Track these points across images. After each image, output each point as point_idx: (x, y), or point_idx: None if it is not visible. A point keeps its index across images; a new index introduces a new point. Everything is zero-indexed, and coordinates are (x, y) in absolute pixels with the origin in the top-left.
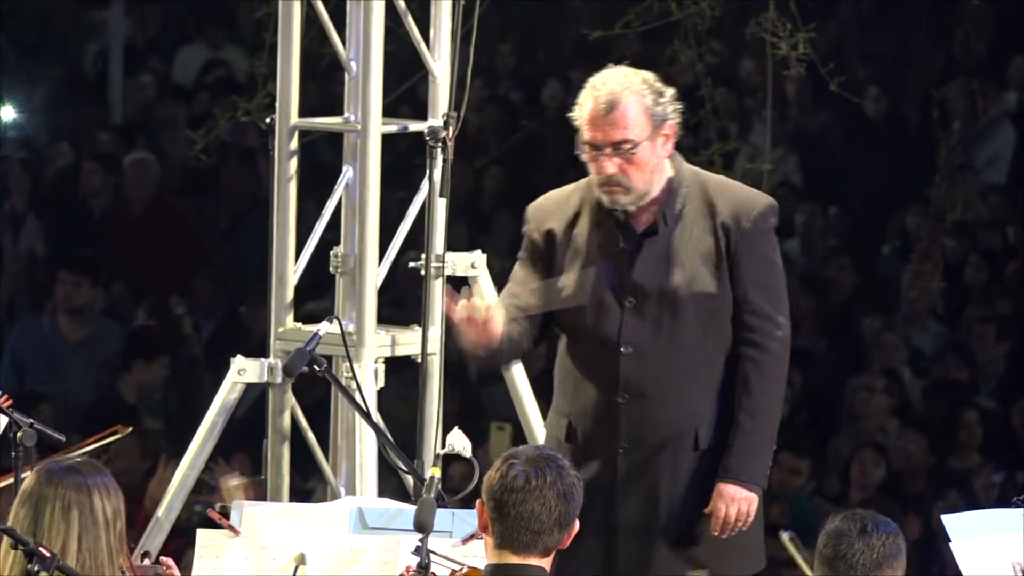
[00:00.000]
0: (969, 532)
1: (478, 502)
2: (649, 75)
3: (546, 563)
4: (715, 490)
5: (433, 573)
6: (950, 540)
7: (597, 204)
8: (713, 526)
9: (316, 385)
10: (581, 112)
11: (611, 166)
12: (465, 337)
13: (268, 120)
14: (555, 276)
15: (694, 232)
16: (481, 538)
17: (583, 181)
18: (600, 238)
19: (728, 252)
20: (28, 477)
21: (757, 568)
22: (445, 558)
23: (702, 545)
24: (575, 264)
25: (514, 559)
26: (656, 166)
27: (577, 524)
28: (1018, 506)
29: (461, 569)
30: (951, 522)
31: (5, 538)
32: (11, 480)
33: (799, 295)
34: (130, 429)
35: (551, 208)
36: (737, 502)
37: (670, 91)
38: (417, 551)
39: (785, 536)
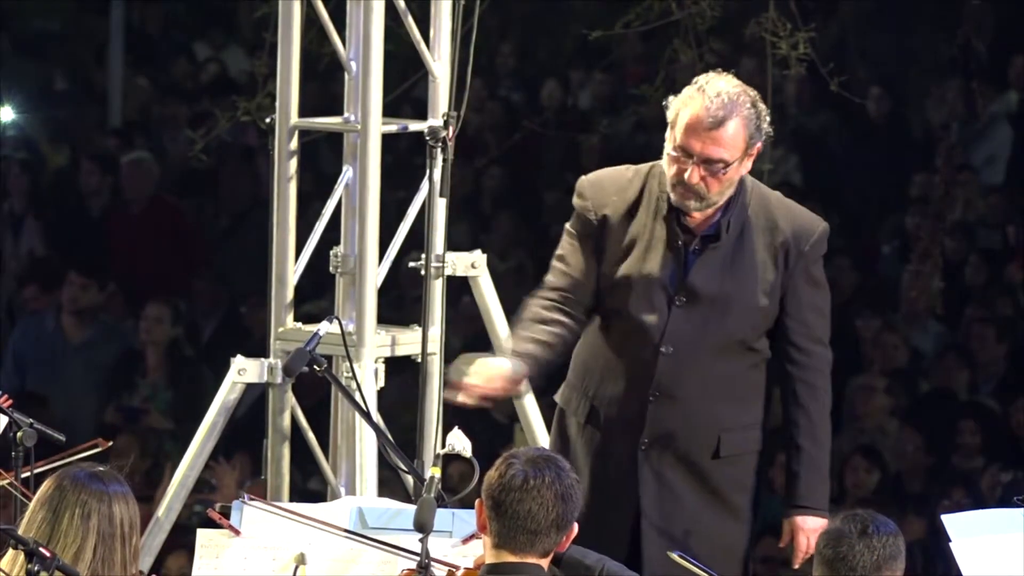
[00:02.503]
0: (969, 532)
1: (477, 501)
2: (753, 92)
3: (544, 563)
4: (791, 522)
5: (432, 574)
6: (950, 540)
7: (660, 197)
8: (794, 559)
9: (317, 385)
10: (681, 110)
11: (696, 176)
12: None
13: (268, 120)
14: (602, 260)
15: (756, 246)
16: (481, 538)
17: (644, 166)
18: (661, 232)
19: (785, 271)
20: (47, 481)
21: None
22: (441, 562)
23: (709, 553)
24: (630, 252)
25: (512, 558)
26: (735, 182)
27: (576, 527)
28: (1018, 506)
29: (458, 570)
30: (951, 522)
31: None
32: (10, 479)
33: None
34: (110, 443)
35: (609, 189)
36: (814, 533)
37: (765, 110)
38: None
39: (675, 555)
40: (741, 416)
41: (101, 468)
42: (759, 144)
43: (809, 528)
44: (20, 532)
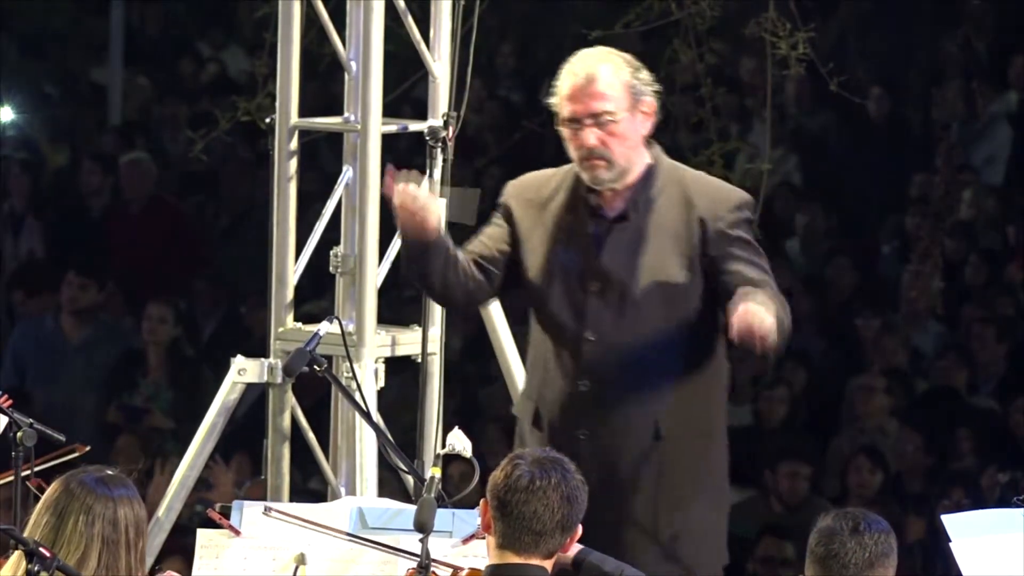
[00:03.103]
0: (969, 532)
1: (482, 501)
2: (626, 55)
3: (548, 565)
4: (739, 299)
5: (434, 573)
6: (950, 540)
7: (574, 189)
8: (734, 321)
9: (317, 385)
10: (560, 91)
11: (592, 137)
12: (401, 222)
13: (268, 120)
14: (518, 249)
15: (667, 221)
16: (482, 538)
17: (566, 166)
18: (570, 221)
19: (703, 244)
20: (53, 484)
21: (719, 563)
22: (443, 563)
23: (661, 538)
24: (540, 243)
25: (515, 559)
26: (636, 143)
27: (580, 528)
28: (1018, 506)
29: (462, 571)
30: (951, 522)
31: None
32: (11, 478)
33: (799, 295)
34: (87, 448)
35: (527, 187)
36: (756, 313)
37: (647, 72)
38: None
39: None
40: (681, 397)
41: (109, 471)
42: (648, 100)
43: (753, 308)
44: (25, 535)
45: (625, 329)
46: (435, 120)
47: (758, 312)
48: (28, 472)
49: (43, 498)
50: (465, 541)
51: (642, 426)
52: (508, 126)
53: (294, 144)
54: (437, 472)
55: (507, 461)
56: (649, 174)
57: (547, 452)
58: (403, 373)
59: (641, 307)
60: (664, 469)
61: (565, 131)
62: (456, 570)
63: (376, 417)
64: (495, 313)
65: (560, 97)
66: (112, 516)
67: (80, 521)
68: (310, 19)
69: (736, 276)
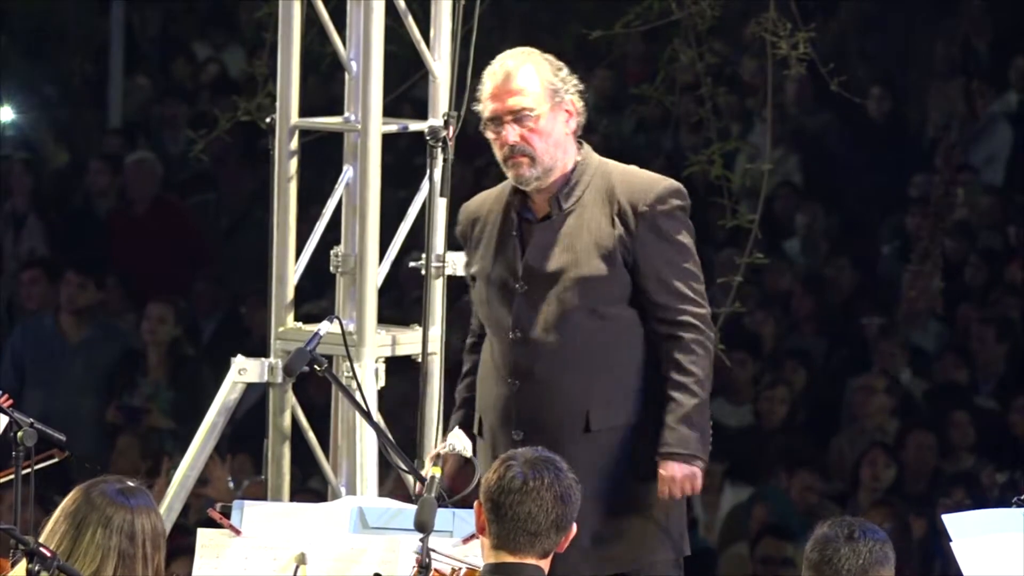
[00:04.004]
0: (970, 532)
1: (476, 503)
2: (548, 55)
3: (544, 564)
4: (659, 468)
5: (436, 570)
6: (951, 540)
7: (508, 197)
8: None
9: (317, 385)
10: (483, 93)
11: (513, 134)
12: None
13: (268, 120)
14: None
15: (591, 217)
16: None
17: (507, 181)
18: (502, 227)
19: (626, 236)
20: (73, 492)
21: (666, 554)
22: (446, 555)
23: (601, 532)
24: (483, 254)
25: (511, 559)
26: (560, 141)
27: (575, 527)
28: (1018, 506)
29: (460, 569)
30: (952, 522)
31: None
32: (11, 476)
33: (799, 295)
34: (67, 454)
35: (471, 210)
36: (679, 482)
37: (564, 68)
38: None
39: None
40: (609, 389)
41: (131, 483)
42: (570, 99)
43: (669, 475)
44: (41, 540)
45: (549, 325)
46: (435, 120)
47: (680, 482)
48: (28, 472)
49: (61, 505)
50: (465, 541)
51: (572, 420)
52: None
53: (294, 144)
54: (437, 472)
55: (499, 462)
56: (574, 172)
57: (539, 452)
58: (403, 373)
59: (563, 303)
60: (597, 461)
61: (489, 133)
62: (455, 571)
63: (376, 417)
64: None
65: (483, 99)
66: (130, 529)
67: (98, 533)
68: (310, 19)
69: (654, 289)
